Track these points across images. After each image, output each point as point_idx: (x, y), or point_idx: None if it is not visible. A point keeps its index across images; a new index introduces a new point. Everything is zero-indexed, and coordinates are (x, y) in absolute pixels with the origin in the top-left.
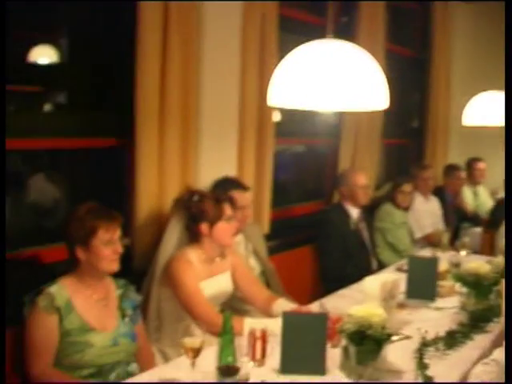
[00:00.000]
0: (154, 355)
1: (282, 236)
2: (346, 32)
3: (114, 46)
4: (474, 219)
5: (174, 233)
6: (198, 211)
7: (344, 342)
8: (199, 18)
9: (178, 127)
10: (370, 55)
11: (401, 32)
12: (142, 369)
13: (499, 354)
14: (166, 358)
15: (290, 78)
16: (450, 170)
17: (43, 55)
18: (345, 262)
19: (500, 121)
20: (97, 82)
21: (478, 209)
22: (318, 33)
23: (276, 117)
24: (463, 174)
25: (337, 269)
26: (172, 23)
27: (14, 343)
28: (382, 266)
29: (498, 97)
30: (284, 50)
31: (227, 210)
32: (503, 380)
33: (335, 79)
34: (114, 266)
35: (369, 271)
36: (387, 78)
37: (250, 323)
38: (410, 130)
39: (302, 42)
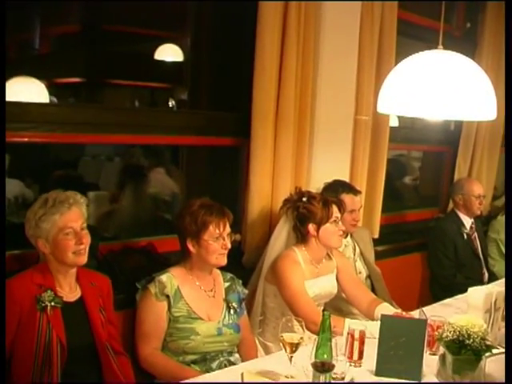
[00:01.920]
0: (256, 347)
1: (393, 241)
2: (468, 38)
3: (234, 47)
4: None
5: (282, 232)
6: (307, 212)
7: (442, 349)
8: (318, 21)
9: (293, 129)
10: (479, 67)
11: None
12: (244, 359)
13: None
14: (268, 352)
15: (400, 87)
16: None
17: (169, 53)
18: (455, 271)
19: None
20: (217, 82)
21: None
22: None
23: (394, 122)
24: None
25: (446, 278)
26: (291, 25)
27: (126, 325)
28: (494, 278)
29: None
30: (401, 54)
31: (335, 212)
32: None
33: (444, 89)
34: (222, 261)
35: (480, 282)
36: None
37: (350, 323)
38: None
39: (420, 48)
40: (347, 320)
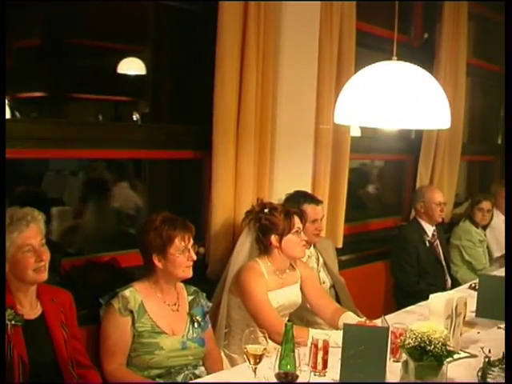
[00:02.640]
0: (221, 360)
1: (357, 250)
2: (427, 48)
3: (195, 59)
4: None
5: (245, 243)
6: (268, 223)
7: (404, 356)
8: (277, 31)
9: (254, 141)
10: (433, 78)
11: (486, 46)
12: (210, 372)
13: None
14: (234, 364)
15: (355, 98)
16: None
17: (132, 67)
18: (418, 278)
19: None
20: (179, 95)
21: None
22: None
23: (357, 132)
24: None
25: (410, 285)
26: (251, 33)
27: (92, 341)
28: (457, 284)
29: None
30: (361, 64)
31: (296, 223)
32: None
33: (399, 99)
34: (188, 273)
35: (443, 289)
36: (470, 93)
37: (314, 334)
38: (494, 146)
39: (379, 58)
40: (311, 330)
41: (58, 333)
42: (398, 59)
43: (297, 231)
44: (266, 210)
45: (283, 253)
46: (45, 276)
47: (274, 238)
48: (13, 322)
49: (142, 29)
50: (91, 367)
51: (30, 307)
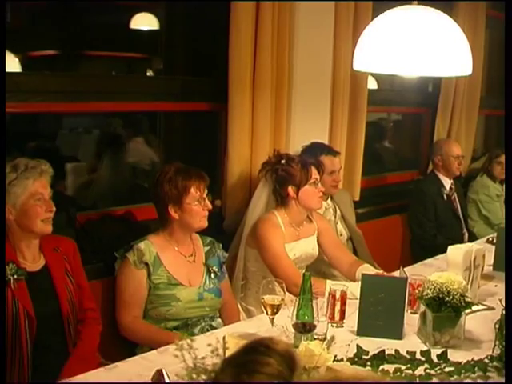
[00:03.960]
0: (238, 311)
1: (374, 203)
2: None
3: (209, 12)
4: None
5: (262, 195)
6: (285, 174)
7: (422, 308)
8: None
9: (271, 93)
10: (454, 22)
11: None
12: (226, 324)
13: None
14: (250, 316)
15: (375, 44)
16: None
17: (145, 22)
18: (435, 232)
19: None
20: (193, 49)
21: None
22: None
23: (373, 84)
24: None
25: (427, 238)
26: None
27: (106, 294)
28: (474, 239)
29: None
30: (378, 12)
31: (313, 173)
32: None
33: (419, 45)
34: (204, 223)
35: (460, 242)
36: (489, 46)
37: (332, 285)
38: None
39: (397, 5)
40: (328, 281)
41: (62, 283)
42: (419, 4)
43: (314, 182)
44: (282, 161)
45: (300, 204)
46: (51, 228)
47: (291, 189)
48: (15, 277)
49: None
50: (94, 310)
51: (32, 260)
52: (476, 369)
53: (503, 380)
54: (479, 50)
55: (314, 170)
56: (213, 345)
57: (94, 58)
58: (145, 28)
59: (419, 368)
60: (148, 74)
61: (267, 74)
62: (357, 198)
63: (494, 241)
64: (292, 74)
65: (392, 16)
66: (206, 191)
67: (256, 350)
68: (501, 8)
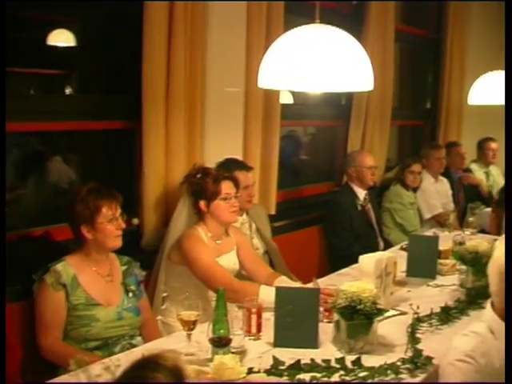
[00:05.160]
0: (158, 329)
1: (291, 216)
2: (356, 14)
3: (124, 29)
4: (487, 199)
5: (183, 210)
6: (198, 188)
7: (336, 316)
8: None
9: (184, 109)
10: (355, 40)
11: (415, 13)
12: (147, 342)
13: (478, 325)
14: (172, 332)
15: (278, 61)
16: (450, 147)
17: (62, 39)
18: (351, 241)
19: (503, 100)
20: (109, 66)
21: (491, 189)
22: (329, 16)
23: (288, 99)
24: (463, 149)
25: (344, 248)
26: (178, 4)
27: (26, 317)
28: (390, 246)
29: (502, 77)
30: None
31: (225, 188)
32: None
33: (321, 62)
34: (119, 242)
35: (376, 251)
36: (399, 59)
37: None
38: (423, 111)
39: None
40: (263, 286)
41: None
42: (321, 23)
43: (225, 197)
44: (198, 175)
45: (213, 218)
46: None
47: (202, 203)
48: None
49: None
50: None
51: None
52: (389, 372)
53: (415, 380)
54: (389, 63)
55: (225, 185)
56: (105, 363)
57: (12, 75)
58: (62, 44)
59: (335, 375)
60: (67, 91)
61: (180, 90)
62: (273, 212)
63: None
64: (205, 90)
65: (295, 34)
66: (119, 210)
67: (145, 367)
68: (409, 22)
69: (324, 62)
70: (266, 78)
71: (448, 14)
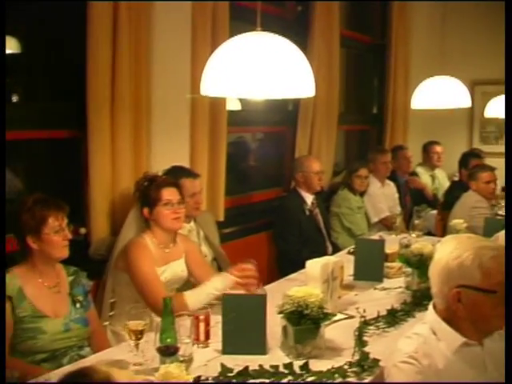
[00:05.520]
0: (107, 339)
1: (240, 222)
2: (301, 21)
3: (69, 36)
4: (433, 202)
5: (133, 218)
6: (142, 196)
7: (283, 322)
8: (150, 8)
9: (130, 118)
10: (296, 47)
11: (360, 19)
12: (95, 352)
13: (421, 327)
14: (122, 341)
15: (220, 69)
16: (396, 151)
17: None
18: (300, 246)
19: (445, 104)
20: (53, 74)
21: (437, 191)
22: (274, 22)
23: (236, 105)
24: (409, 153)
25: (292, 253)
26: (122, 13)
27: None
28: (338, 250)
29: (444, 82)
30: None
31: (166, 194)
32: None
33: (262, 69)
34: (65, 253)
35: (324, 255)
36: (345, 64)
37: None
38: (370, 115)
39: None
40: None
41: None
42: (273, 32)
43: (166, 203)
44: (145, 183)
45: (157, 226)
46: None
47: (145, 210)
48: None
49: (14, 5)
50: None
51: None
52: (336, 375)
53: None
54: (335, 69)
55: (167, 191)
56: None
57: None
58: (7, 51)
59: (283, 380)
60: (14, 98)
61: (126, 98)
62: (221, 219)
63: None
64: (150, 98)
65: (235, 42)
66: (65, 221)
67: (75, 379)
68: (354, 28)
69: (264, 70)
70: (209, 86)
71: (392, 19)
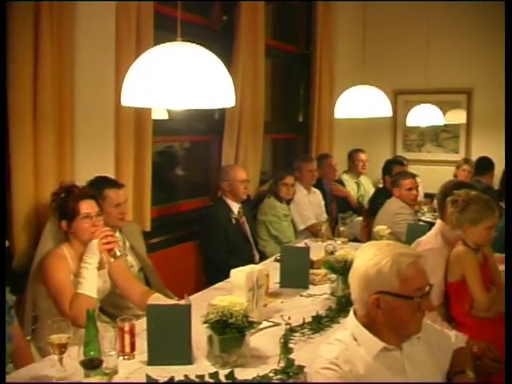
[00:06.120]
0: (31, 354)
1: (167, 232)
2: (227, 30)
3: None
4: (358, 208)
5: (51, 230)
6: (60, 208)
7: (208, 331)
8: (72, 17)
9: (53, 127)
10: (216, 57)
11: (285, 29)
12: (19, 368)
13: (342, 333)
14: (44, 356)
15: (141, 79)
16: (322, 159)
17: None
18: (227, 255)
19: (366, 114)
20: None
21: (362, 198)
22: (199, 32)
23: (163, 115)
24: (334, 161)
25: (220, 262)
26: (44, 23)
27: None
28: (266, 258)
29: (365, 92)
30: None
31: (84, 207)
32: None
33: (181, 79)
34: None
35: (252, 264)
36: (271, 74)
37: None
38: (296, 124)
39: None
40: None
41: None
42: (198, 42)
43: (85, 217)
44: (62, 195)
45: (75, 238)
46: None
47: (63, 223)
48: None
49: None
50: None
51: None
52: None
53: None
54: (261, 78)
55: (85, 204)
56: None
57: None
58: None
59: None
60: None
61: (48, 108)
62: (148, 229)
63: None
64: (73, 107)
65: (157, 52)
66: None
67: None
68: (280, 38)
69: (182, 80)
70: (129, 96)
71: (316, 29)
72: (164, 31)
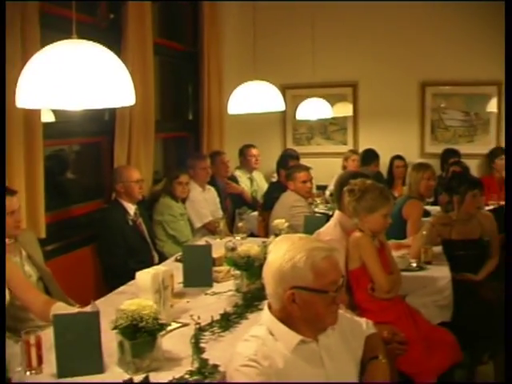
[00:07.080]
0: None
1: (63, 238)
2: (114, 29)
3: None
4: (253, 204)
5: None
6: None
7: (118, 337)
8: None
9: None
10: (114, 55)
11: (173, 27)
12: None
13: (258, 328)
14: None
15: (35, 79)
16: (214, 156)
17: None
18: (126, 258)
19: (260, 109)
20: None
21: (256, 193)
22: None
23: (49, 117)
24: (226, 158)
25: (119, 266)
26: None
27: None
28: (165, 259)
29: (257, 87)
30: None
31: None
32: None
33: (79, 78)
34: None
35: (151, 265)
36: (160, 72)
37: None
38: (186, 122)
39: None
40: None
41: None
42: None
43: None
44: None
45: None
46: None
47: None
48: None
49: None
50: None
51: None
52: None
53: None
54: (150, 77)
55: None
56: None
57: None
58: None
59: None
60: None
61: None
62: (43, 235)
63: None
64: None
65: (51, 51)
66: None
67: None
68: (168, 36)
69: (81, 79)
70: (25, 97)
71: (203, 27)
72: (51, 30)
